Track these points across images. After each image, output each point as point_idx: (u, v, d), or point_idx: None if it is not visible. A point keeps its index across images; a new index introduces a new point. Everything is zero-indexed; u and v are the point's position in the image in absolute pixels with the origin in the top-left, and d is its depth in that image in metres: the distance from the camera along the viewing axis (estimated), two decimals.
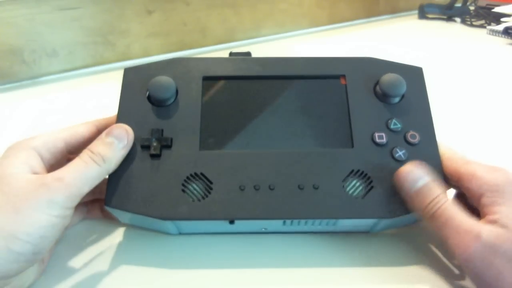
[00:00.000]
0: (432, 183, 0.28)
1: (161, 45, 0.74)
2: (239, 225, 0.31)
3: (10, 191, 0.25)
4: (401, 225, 0.33)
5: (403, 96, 0.33)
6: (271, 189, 0.29)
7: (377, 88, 0.33)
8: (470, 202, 0.29)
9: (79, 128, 0.31)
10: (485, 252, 0.24)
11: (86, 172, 0.27)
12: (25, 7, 0.60)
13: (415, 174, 0.28)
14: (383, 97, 0.33)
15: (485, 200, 0.26)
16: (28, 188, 0.25)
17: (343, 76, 0.34)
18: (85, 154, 0.28)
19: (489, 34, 0.90)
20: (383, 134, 0.31)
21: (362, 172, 0.30)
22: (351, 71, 0.34)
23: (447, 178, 0.30)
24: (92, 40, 0.67)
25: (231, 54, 0.36)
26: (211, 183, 0.29)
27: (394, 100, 0.33)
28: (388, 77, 0.32)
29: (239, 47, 0.81)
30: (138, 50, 0.72)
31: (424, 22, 1.04)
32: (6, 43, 0.60)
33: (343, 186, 0.30)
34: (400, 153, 0.31)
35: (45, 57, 0.64)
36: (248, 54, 0.36)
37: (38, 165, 0.28)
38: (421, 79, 0.34)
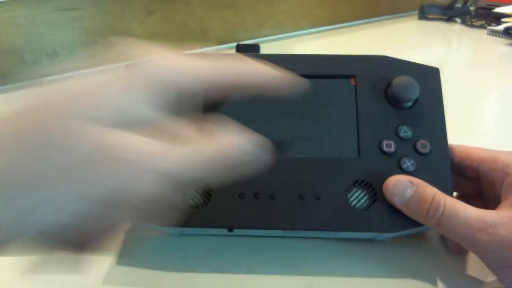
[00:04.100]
0: (421, 185, 0.27)
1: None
2: (238, 231, 0.30)
3: None
4: (407, 233, 0.31)
5: (416, 100, 0.31)
6: (271, 198, 0.29)
7: (389, 91, 0.31)
8: (486, 188, 0.28)
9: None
10: (506, 238, 0.23)
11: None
12: (26, 7, 0.60)
13: (400, 184, 0.27)
14: (394, 101, 0.31)
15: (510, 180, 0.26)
16: None
17: (354, 76, 0.32)
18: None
19: (489, 34, 0.90)
20: (392, 143, 0.30)
21: (367, 183, 0.29)
22: (363, 71, 0.32)
23: (461, 167, 0.30)
24: (93, 40, 0.67)
25: (238, 46, 0.35)
26: (210, 189, 0.29)
27: (406, 105, 0.31)
28: (400, 81, 0.30)
29: None
30: None
31: (424, 22, 1.04)
32: (6, 43, 0.60)
33: (346, 196, 0.29)
34: (408, 164, 0.29)
35: (45, 57, 0.64)
36: (257, 46, 0.35)
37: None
38: (437, 81, 0.32)
